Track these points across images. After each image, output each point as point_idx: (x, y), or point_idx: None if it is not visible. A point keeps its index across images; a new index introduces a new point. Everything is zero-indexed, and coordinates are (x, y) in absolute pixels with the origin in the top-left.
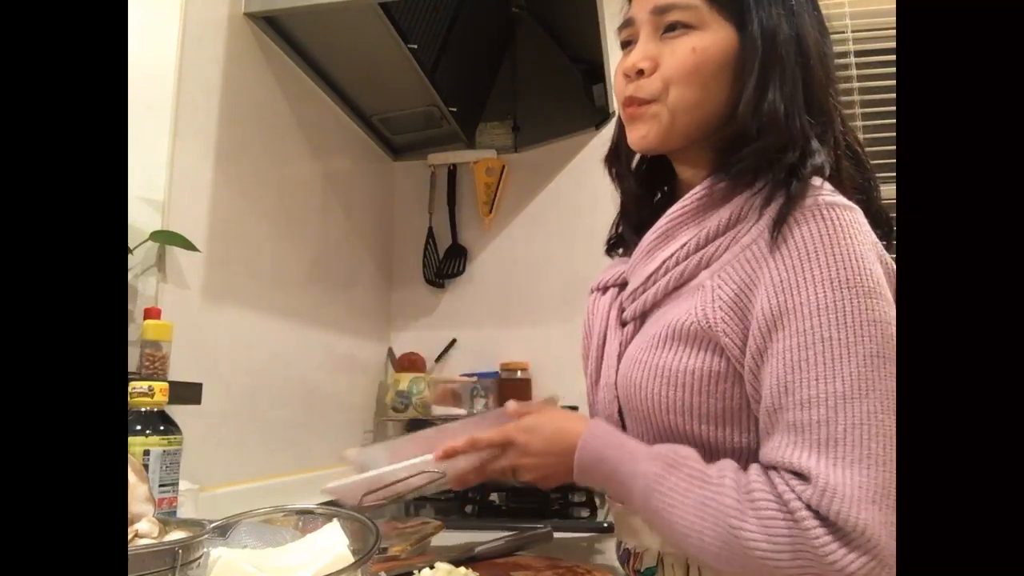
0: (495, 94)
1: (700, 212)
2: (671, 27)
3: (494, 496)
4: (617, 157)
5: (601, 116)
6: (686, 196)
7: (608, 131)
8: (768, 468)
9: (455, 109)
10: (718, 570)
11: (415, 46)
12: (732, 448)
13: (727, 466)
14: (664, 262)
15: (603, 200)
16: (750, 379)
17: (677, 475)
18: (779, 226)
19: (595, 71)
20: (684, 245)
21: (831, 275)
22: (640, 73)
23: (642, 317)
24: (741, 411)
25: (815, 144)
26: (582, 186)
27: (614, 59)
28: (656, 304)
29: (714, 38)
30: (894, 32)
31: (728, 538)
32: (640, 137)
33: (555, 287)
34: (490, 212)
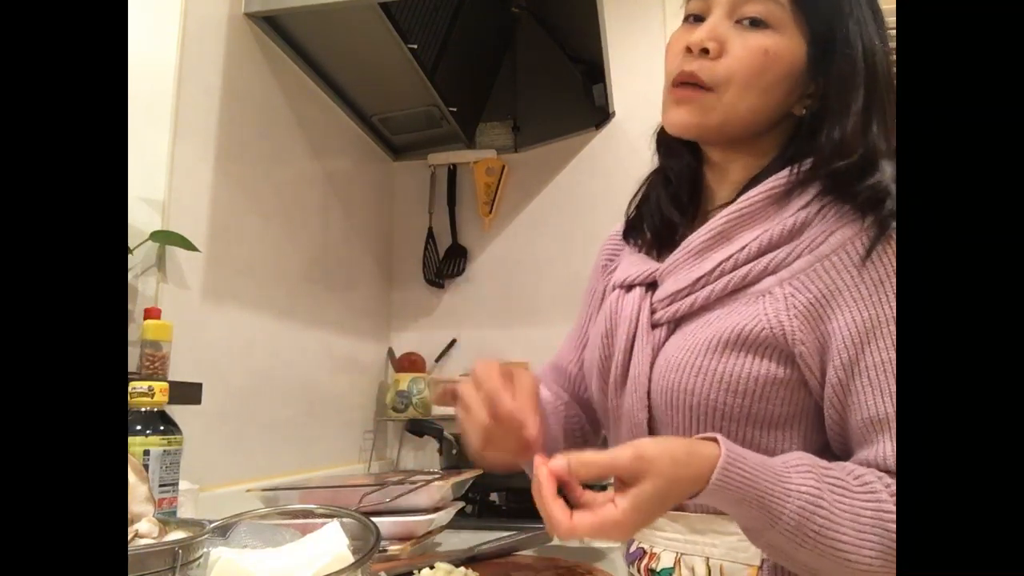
0: (495, 94)
1: (758, 214)
2: (749, 20)
3: (494, 496)
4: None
5: (601, 116)
6: (743, 198)
7: (608, 131)
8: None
9: (455, 109)
10: None
11: (415, 46)
12: (782, 453)
13: (856, 469)
14: (719, 264)
15: (603, 200)
16: (836, 388)
17: (827, 486)
18: (872, 249)
19: (595, 71)
20: (744, 248)
21: None
22: (704, 52)
23: (679, 320)
24: (797, 416)
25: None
26: (582, 186)
27: (614, 59)
28: (705, 308)
29: (788, 45)
30: (894, 32)
31: (889, 547)
32: (682, 123)
33: (555, 287)
34: (490, 212)
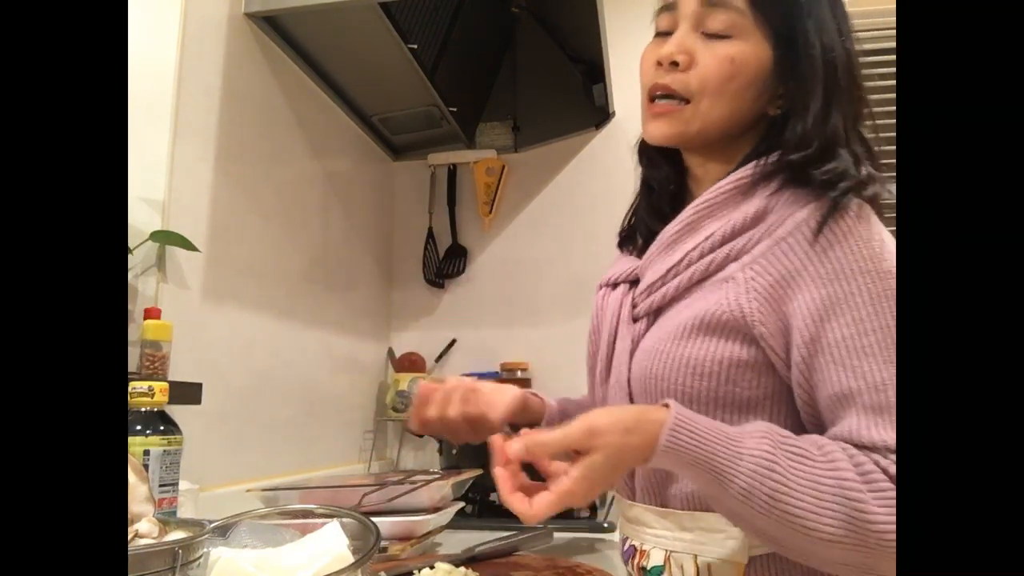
0: (495, 94)
1: (725, 204)
2: (714, 31)
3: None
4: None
5: (601, 116)
6: (712, 189)
7: (608, 131)
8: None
9: (455, 109)
10: (801, 562)
11: (415, 46)
12: None
13: (821, 440)
14: (687, 254)
15: (603, 200)
16: (800, 367)
17: (784, 453)
18: (823, 226)
19: (595, 71)
20: (708, 237)
21: (873, 265)
22: (674, 65)
23: (656, 312)
24: (765, 399)
25: (861, 156)
26: (582, 186)
27: (614, 59)
28: (676, 298)
29: (753, 50)
30: (894, 32)
31: (851, 516)
32: (661, 134)
33: (555, 287)
34: (490, 212)
